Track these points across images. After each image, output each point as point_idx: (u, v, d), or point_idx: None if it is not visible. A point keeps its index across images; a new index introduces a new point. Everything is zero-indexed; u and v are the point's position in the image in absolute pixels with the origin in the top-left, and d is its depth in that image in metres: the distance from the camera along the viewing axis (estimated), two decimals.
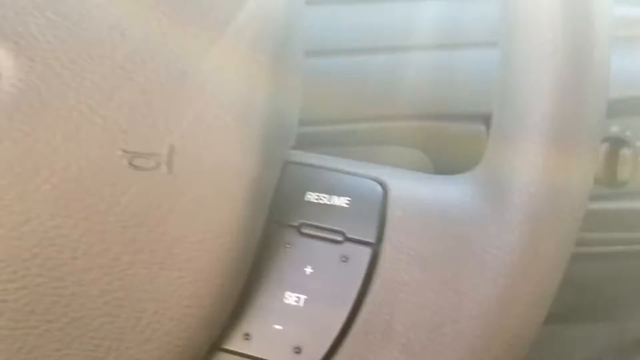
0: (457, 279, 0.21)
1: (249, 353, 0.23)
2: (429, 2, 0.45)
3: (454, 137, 0.45)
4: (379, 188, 0.23)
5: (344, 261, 0.23)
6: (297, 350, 0.22)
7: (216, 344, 0.23)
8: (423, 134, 0.45)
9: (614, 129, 0.47)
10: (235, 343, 0.23)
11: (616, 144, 0.46)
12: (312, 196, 0.23)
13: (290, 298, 0.23)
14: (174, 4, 0.20)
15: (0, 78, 0.19)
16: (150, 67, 0.19)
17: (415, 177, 0.24)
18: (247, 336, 0.23)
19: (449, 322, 0.21)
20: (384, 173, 0.24)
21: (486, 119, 0.44)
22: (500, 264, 0.21)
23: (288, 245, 0.23)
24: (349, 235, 0.23)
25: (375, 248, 0.22)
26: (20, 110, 0.19)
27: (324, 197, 0.23)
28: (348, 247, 0.23)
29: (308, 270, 0.23)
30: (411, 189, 0.23)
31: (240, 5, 0.21)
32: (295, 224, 0.23)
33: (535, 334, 0.22)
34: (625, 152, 0.46)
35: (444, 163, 0.45)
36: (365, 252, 0.22)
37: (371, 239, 0.22)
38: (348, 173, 0.24)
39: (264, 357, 0.22)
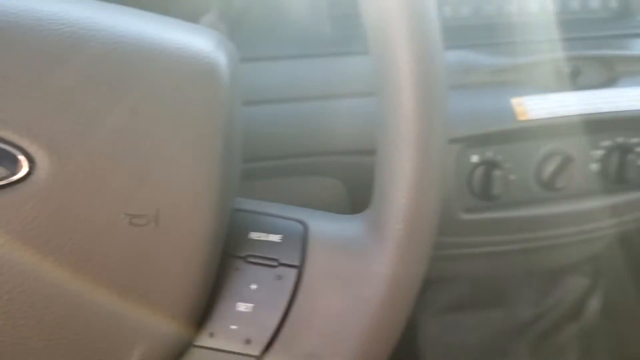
0: (355, 287, 0.31)
1: (214, 346, 0.32)
2: (349, 58, 0.55)
3: (366, 169, 0.55)
4: (301, 227, 0.33)
5: (278, 279, 0.32)
6: (248, 342, 0.32)
7: (190, 342, 0.32)
8: (341, 167, 0.55)
9: (489, 154, 0.58)
10: (204, 340, 0.32)
11: (490, 166, 0.58)
12: (254, 235, 0.33)
13: (242, 306, 0.32)
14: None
15: (38, 169, 0.28)
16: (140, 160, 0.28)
17: (327, 217, 0.34)
18: (211, 335, 0.32)
19: (351, 315, 0.31)
20: (305, 215, 0.34)
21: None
22: (382, 277, 0.31)
23: (238, 270, 0.32)
24: (282, 261, 0.32)
25: (300, 269, 0.32)
26: (53, 194, 0.28)
27: (263, 235, 0.33)
28: (281, 270, 0.32)
29: (253, 287, 0.32)
30: (323, 227, 0.33)
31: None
32: (243, 255, 0.33)
33: (404, 323, 0.32)
34: (496, 172, 0.57)
35: (359, 191, 0.55)
36: (293, 272, 0.32)
37: (297, 262, 0.32)
38: (280, 217, 0.33)
39: (224, 349, 0.32)
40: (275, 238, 0.33)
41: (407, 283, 0.31)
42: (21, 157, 0.27)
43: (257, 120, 0.51)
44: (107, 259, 0.29)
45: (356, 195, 0.56)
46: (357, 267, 0.31)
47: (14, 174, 0.27)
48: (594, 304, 0.85)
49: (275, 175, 0.54)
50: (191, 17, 0.54)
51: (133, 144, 0.28)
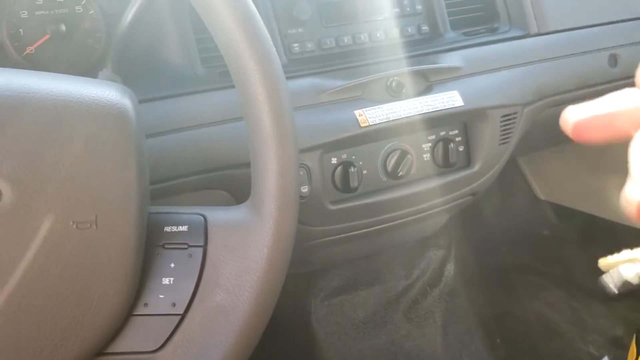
0: (246, 254, 0.44)
1: (149, 313, 0.43)
2: (217, 93, 0.67)
3: (246, 179, 0.68)
4: (202, 218, 0.45)
5: (190, 257, 0.44)
6: (174, 305, 0.43)
7: (129, 312, 0.43)
8: (228, 179, 0.67)
9: (344, 156, 0.73)
10: (140, 309, 0.43)
11: (347, 164, 0.73)
12: (168, 228, 0.45)
13: (165, 280, 0.43)
14: None
15: (2, 197, 0.38)
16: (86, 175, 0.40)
17: (220, 209, 0.47)
18: (145, 305, 0.43)
19: (245, 274, 0.44)
20: (204, 210, 0.46)
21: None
22: (265, 242, 0.44)
23: (159, 255, 0.44)
24: (191, 244, 0.44)
25: (205, 247, 0.44)
26: (16, 215, 0.38)
27: (174, 228, 0.45)
28: (191, 250, 0.44)
29: (172, 265, 0.44)
30: (218, 215, 0.45)
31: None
32: (161, 243, 0.44)
33: (285, 274, 0.45)
34: (352, 169, 0.73)
35: (242, 198, 0.67)
36: (200, 250, 0.44)
37: (202, 243, 0.44)
38: (186, 213, 0.46)
39: (157, 313, 0.43)
40: (184, 228, 0.45)
41: (283, 245, 0.44)
42: None
43: (163, 148, 0.62)
44: (63, 259, 0.39)
45: (240, 201, 0.68)
46: (245, 239, 0.44)
47: None
48: (450, 269, 1.02)
49: (184, 191, 0.65)
50: (90, 73, 0.65)
51: (73, 171, 0.40)
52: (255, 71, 0.42)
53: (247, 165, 0.61)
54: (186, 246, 0.44)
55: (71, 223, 0.39)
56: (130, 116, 0.42)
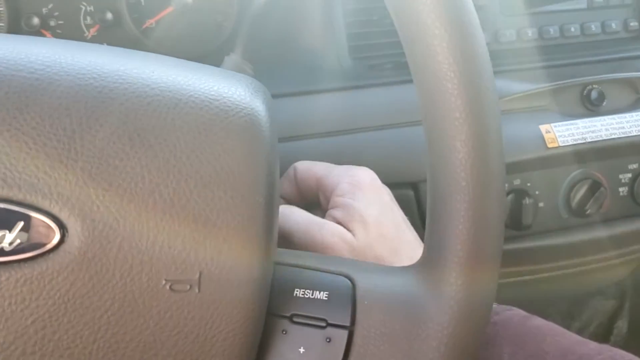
0: (411, 348, 0.29)
1: None
2: (368, 91, 0.54)
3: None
4: (348, 283, 0.31)
5: (328, 341, 0.30)
6: None
7: None
8: None
9: (517, 182, 0.57)
10: None
11: (520, 194, 0.56)
12: (299, 292, 0.31)
13: None
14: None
15: (71, 236, 0.26)
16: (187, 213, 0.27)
17: (374, 270, 0.32)
18: None
19: None
20: (350, 268, 0.32)
21: (413, 186, 0.53)
22: (441, 338, 0.29)
23: (284, 332, 0.31)
24: (330, 321, 0.30)
25: (351, 329, 0.30)
26: (87, 263, 0.26)
27: (308, 292, 0.31)
28: (330, 331, 0.30)
29: (301, 350, 0.30)
30: (372, 282, 0.31)
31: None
32: (288, 314, 0.30)
33: None
34: (526, 201, 0.56)
35: None
36: (344, 334, 0.30)
37: (347, 323, 0.30)
38: (324, 271, 0.32)
39: None
40: (321, 295, 0.31)
41: (468, 345, 0.29)
42: (52, 225, 0.26)
43: (295, 156, 0.49)
44: (146, 329, 0.27)
45: None
46: (412, 327, 0.29)
47: (44, 243, 0.26)
48: (622, 326, 0.83)
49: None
50: (214, 56, 0.53)
51: (171, 205, 0.27)
52: (455, 75, 0.27)
53: (402, 185, 0.45)
54: (324, 324, 0.30)
55: (163, 283, 0.27)
56: (261, 125, 0.29)
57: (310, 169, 0.42)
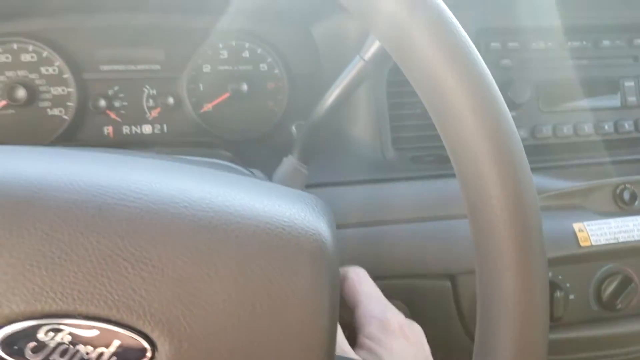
0: None
1: None
2: (410, 183, 0.56)
3: (427, 291, 0.56)
4: None
5: None
6: None
7: None
8: (404, 289, 0.55)
9: (549, 274, 0.59)
10: None
11: (551, 287, 0.58)
12: None
13: None
14: None
15: (159, 354, 0.29)
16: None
17: None
18: None
19: None
20: None
21: (450, 277, 0.56)
22: None
23: None
24: None
25: None
26: None
27: None
28: None
29: None
30: None
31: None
32: None
33: None
34: (557, 294, 0.58)
35: (418, 310, 0.55)
36: None
37: None
38: None
39: None
40: None
41: None
42: (145, 344, 0.28)
43: (340, 244, 0.51)
44: None
45: (417, 315, 0.56)
46: None
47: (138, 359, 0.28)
48: None
49: None
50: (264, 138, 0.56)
51: (247, 328, 0.29)
52: (494, 164, 0.30)
53: (440, 276, 0.48)
54: None
55: None
56: (328, 246, 0.32)
57: (356, 286, 0.44)
